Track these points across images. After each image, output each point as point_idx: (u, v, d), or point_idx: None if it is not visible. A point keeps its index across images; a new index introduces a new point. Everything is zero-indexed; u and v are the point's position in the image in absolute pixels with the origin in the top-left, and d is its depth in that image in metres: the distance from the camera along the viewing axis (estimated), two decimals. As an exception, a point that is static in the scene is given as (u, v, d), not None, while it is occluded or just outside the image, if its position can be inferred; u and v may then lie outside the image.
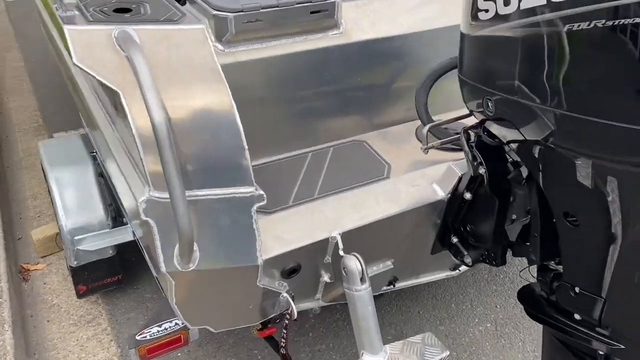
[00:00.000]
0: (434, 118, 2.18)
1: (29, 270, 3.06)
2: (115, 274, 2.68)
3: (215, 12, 1.85)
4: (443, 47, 2.26)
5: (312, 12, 1.99)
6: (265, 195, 1.56)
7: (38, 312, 2.80)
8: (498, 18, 1.49)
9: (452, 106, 2.34)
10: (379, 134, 2.28)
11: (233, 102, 1.54)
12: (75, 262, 2.53)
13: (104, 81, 1.48)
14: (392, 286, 2.15)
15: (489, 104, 1.60)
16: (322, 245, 1.73)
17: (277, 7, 1.92)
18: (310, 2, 1.97)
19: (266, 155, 2.10)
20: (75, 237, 2.49)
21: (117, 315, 2.77)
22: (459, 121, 1.97)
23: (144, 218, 1.51)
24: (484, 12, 1.55)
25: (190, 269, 1.55)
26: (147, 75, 1.38)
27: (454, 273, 2.35)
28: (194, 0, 1.98)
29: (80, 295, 2.67)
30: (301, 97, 2.12)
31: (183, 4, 2.09)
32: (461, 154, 1.82)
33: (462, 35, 1.64)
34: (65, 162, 2.64)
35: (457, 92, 1.67)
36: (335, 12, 2.04)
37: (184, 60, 1.55)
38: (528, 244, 1.83)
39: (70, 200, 2.52)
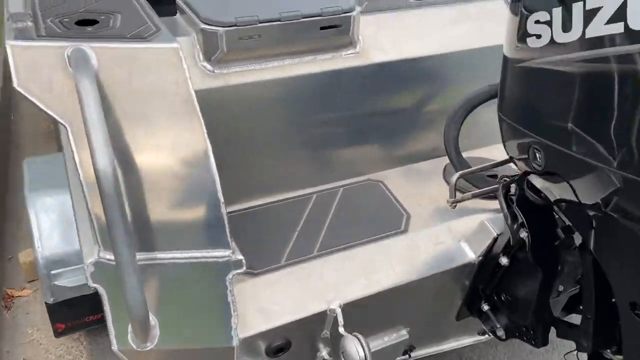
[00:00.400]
0: (465, 155, 1.83)
1: (12, 296, 2.81)
2: (97, 311, 2.39)
3: (203, 26, 1.54)
4: (480, 71, 1.91)
5: (322, 28, 1.67)
6: (244, 261, 1.24)
7: (15, 348, 2.54)
8: (553, 47, 1.15)
9: (489, 140, 1.98)
10: (398, 173, 1.93)
11: (208, 144, 1.23)
12: (51, 299, 2.25)
13: (48, 112, 1.18)
14: (407, 356, 1.80)
15: (537, 155, 1.25)
16: (318, 319, 1.40)
17: (279, 20, 1.60)
18: (320, 15, 1.64)
19: (261, 196, 1.78)
20: (52, 271, 2.20)
21: (99, 357, 2.49)
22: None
23: (92, 284, 1.21)
24: (534, 37, 1.20)
25: (148, 349, 1.24)
26: (94, 107, 1.08)
27: (483, 338, 1.98)
28: (184, 10, 1.68)
29: (58, 334, 2.39)
30: (306, 126, 1.79)
31: (174, 13, 1.80)
32: (496, 203, 1.47)
33: (505, 59, 1.30)
34: (47, 184, 2.37)
35: (496, 124, 1.33)
36: (350, 27, 1.71)
37: (151, 87, 1.24)
38: (577, 325, 1.46)
39: (49, 228, 2.24)
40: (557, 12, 1.13)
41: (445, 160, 1.88)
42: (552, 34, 1.14)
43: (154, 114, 1.22)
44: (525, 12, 1.22)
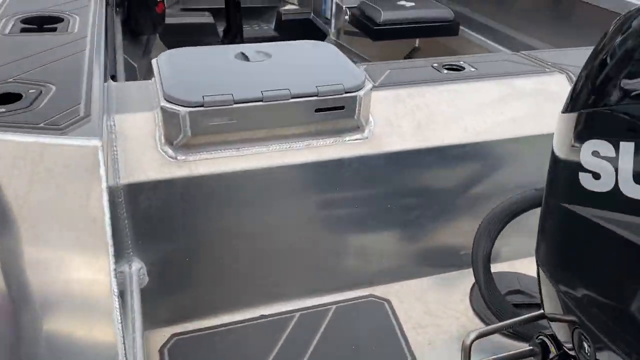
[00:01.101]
0: (499, 267, 1.42)
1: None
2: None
3: (163, 104, 1.23)
4: (527, 165, 1.50)
5: (318, 110, 1.32)
6: None
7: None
8: (619, 200, 0.76)
9: (526, 252, 1.56)
10: (410, 289, 1.53)
11: (114, 286, 0.90)
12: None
13: None
14: None
15: (584, 344, 0.85)
16: None
17: (261, 101, 1.26)
18: (316, 95, 1.30)
19: (227, 312, 1.42)
20: None
21: None
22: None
23: None
24: (591, 176, 0.81)
25: None
26: None
27: None
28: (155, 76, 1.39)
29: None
30: (295, 225, 1.43)
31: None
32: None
33: (556, 160, 0.92)
34: None
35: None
36: (356, 110, 1.35)
37: (53, 199, 0.93)
38: None
39: None
40: (628, 149, 0.73)
41: (465, 274, 1.48)
42: (617, 181, 0.75)
43: (51, 238, 0.91)
44: (579, 136, 0.83)
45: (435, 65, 1.63)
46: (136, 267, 1.27)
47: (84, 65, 1.28)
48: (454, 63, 1.65)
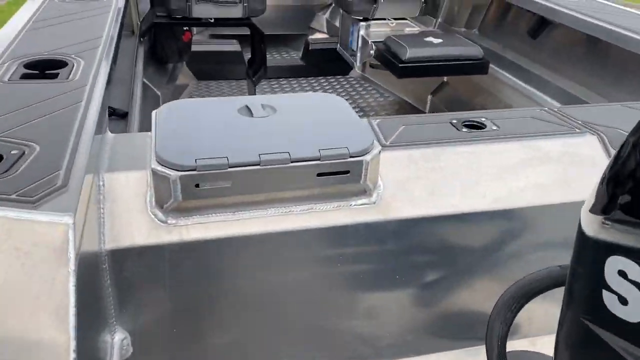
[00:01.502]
0: (515, 343, 1.28)
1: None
2: None
3: (154, 165, 1.16)
4: (551, 238, 1.37)
5: (321, 175, 1.23)
6: None
7: None
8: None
9: (549, 328, 1.42)
10: None
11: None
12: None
13: None
14: None
15: None
16: None
17: (258, 165, 1.18)
18: (318, 160, 1.21)
19: None
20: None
21: None
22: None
23: None
24: (615, 298, 0.69)
25: None
26: None
27: None
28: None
29: None
30: (291, 294, 1.33)
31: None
32: None
33: (583, 237, 0.81)
34: None
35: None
36: (362, 174, 1.25)
37: (18, 287, 0.86)
38: None
39: None
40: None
41: (478, 352, 1.34)
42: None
43: (10, 327, 0.84)
44: (603, 247, 0.71)
45: (454, 121, 1.52)
46: (119, 337, 1.19)
47: (76, 119, 1.22)
48: (474, 119, 1.54)
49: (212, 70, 4.35)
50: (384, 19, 3.46)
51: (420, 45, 2.98)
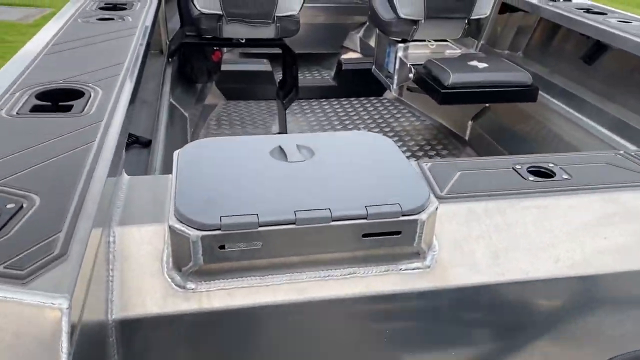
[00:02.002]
0: None
1: None
2: None
3: (172, 223, 0.98)
4: (637, 311, 1.15)
5: (365, 236, 1.04)
6: None
7: None
8: None
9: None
10: None
11: None
12: None
13: None
14: None
15: None
16: None
17: (294, 224, 0.99)
18: (364, 218, 1.02)
19: None
20: None
21: None
22: None
23: None
24: None
25: None
26: None
27: None
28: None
29: None
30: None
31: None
32: None
33: None
34: None
35: None
36: (416, 235, 1.06)
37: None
38: None
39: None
40: None
41: None
42: None
43: None
44: None
45: (518, 167, 1.31)
46: None
47: (86, 163, 1.06)
48: (541, 165, 1.33)
49: (242, 90, 4.22)
50: (423, 41, 3.27)
51: (464, 70, 2.78)
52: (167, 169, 2.16)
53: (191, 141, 3.43)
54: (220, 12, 2.81)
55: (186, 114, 3.35)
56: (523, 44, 3.59)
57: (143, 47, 1.88)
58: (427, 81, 2.88)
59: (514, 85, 2.77)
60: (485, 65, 2.86)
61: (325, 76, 4.97)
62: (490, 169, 1.32)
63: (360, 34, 5.01)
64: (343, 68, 4.31)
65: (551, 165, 1.34)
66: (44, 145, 1.13)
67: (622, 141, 2.47)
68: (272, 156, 1.18)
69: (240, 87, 4.20)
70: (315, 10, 4.86)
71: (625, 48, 2.40)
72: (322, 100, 4.38)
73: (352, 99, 4.46)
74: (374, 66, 3.76)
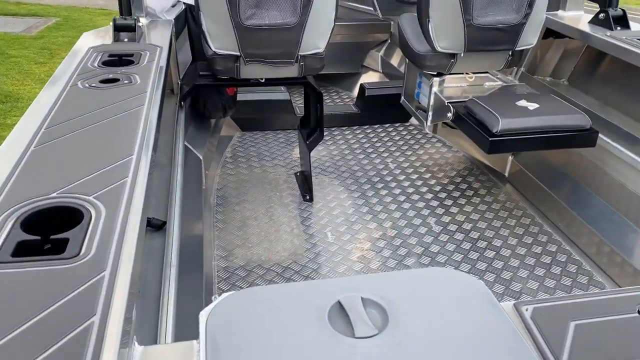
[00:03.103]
0: None
1: None
2: None
3: None
4: None
5: None
6: None
7: None
8: None
9: None
10: None
11: None
12: None
13: None
14: None
15: None
16: None
17: None
18: None
19: None
20: None
21: None
22: None
23: None
24: None
25: None
26: None
27: None
28: None
29: None
30: None
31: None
32: None
33: None
34: None
35: None
36: None
37: None
38: None
39: None
40: None
41: None
42: None
43: None
44: None
45: None
46: None
47: (87, 346, 0.77)
48: None
49: (258, 121, 3.92)
50: (461, 73, 2.95)
51: (515, 114, 2.46)
52: (184, 253, 1.88)
53: (206, 184, 3.13)
54: (238, 53, 2.51)
55: (200, 156, 3.07)
56: (568, 70, 3.26)
57: (155, 118, 1.59)
58: (470, 125, 2.57)
59: (571, 130, 2.45)
60: (536, 105, 2.54)
61: (346, 100, 4.66)
62: (612, 315, 1.01)
63: (382, 52, 4.70)
64: (366, 94, 4.00)
65: None
66: (25, 312, 0.84)
67: None
68: (331, 325, 0.89)
69: (256, 118, 3.91)
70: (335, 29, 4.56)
71: None
72: (343, 128, 4.08)
73: (376, 126, 4.15)
74: (402, 97, 3.44)
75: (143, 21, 2.64)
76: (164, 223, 1.77)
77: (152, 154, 1.38)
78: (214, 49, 2.50)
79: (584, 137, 2.47)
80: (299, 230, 2.77)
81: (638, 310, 1.02)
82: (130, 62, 2.02)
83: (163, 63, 2.10)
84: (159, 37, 2.52)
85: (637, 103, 2.59)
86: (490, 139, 2.41)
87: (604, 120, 2.66)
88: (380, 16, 3.76)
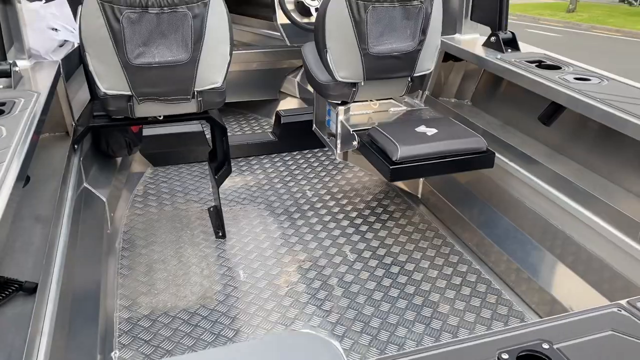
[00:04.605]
0: None
1: None
2: None
3: None
4: None
5: None
6: None
7: None
8: None
9: None
10: None
11: None
12: None
13: None
14: None
15: None
16: None
17: None
18: None
19: None
20: None
21: None
22: None
23: None
24: None
25: None
26: None
27: None
28: None
29: None
30: None
31: None
32: None
33: None
34: None
35: None
36: None
37: None
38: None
39: None
40: None
41: None
42: None
43: None
44: None
45: (505, 357, 1.00)
46: None
47: None
48: (533, 348, 1.02)
49: (170, 155, 3.80)
50: (366, 100, 2.97)
51: (413, 140, 2.49)
52: (75, 311, 1.75)
53: (111, 227, 2.97)
54: (129, 93, 2.41)
55: (104, 198, 2.92)
56: (470, 91, 3.36)
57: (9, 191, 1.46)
58: (373, 154, 2.58)
59: (468, 153, 2.50)
60: (434, 130, 2.58)
61: (265, 126, 4.62)
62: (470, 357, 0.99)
63: (298, 78, 4.70)
64: (282, 122, 3.98)
65: (545, 346, 1.03)
66: None
67: (587, 212, 2.23)
68: None
69: (168, 152, 3.79)
70: (249, 56, 4.51)
71: (589, 115, 2.17)
72: (262, 157, 4.03)
73: (294, 152, 4.12)
74: (314, 125, 3.43)
75: (25, 64, 2.50)
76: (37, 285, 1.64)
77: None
78: (103, 90, 2.39)
79: (481, 159, 2.53)
80: (210, 271, 2.67)
81: (498, 357, 1.01)
82: (1, 112, 1.89)
83: (39, 110, 1.97)
84: (44, 80, 2.38)
85: (531, 122, 2.69)
86: (390, 167, 2.42)
87: (502, 142, 2.74)
88: (288, 43, 3.75)
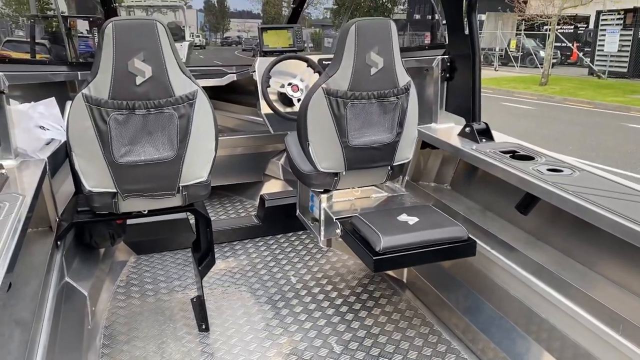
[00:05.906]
0: None
1: None
2: None
3: None
4: None
5: None
6: None
7: None
8: None
9: None
10: None
11: None
12: None
13: None
14: None
15: None
16: None
17: None
18: None
19: None
20: None
21: None
22: None
23: None
24: None
25: None
26: None
27: None
28: None
29: None
30: None
31: None
32: None
33: None
34: None
35: None
36: None
37: None
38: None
39: None
40: None
41: None
42: None
43: None
44: None
45: None
46: None
47: None
48: None
49: (153, 243, 3.79)
50: (348, 188, 3.03)
51: (395, 230, 2.53)
52: None
53: (92, 323, 2.90)
54: (114, 190, 2.44)
55: (85, 292, 2.87)
56: (449, 176, 3.45)
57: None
58: (356, 243, 2.60)
59: (450, 242, 2.54)
60: (416, 219, 2.63)
61: (249, 209, 4.65)
62: None
63: (282, 161, 4.79)
64: (266, 205, 4.01)
65: None
66: None
67: (569, 303, 2.25)
68: None
69: (151, 240, 3.77)
70: (234, 141, 4.62)
71: (564, 208, 2.23)
72: (245, 241, 4.03)
73: (279, 235, 4.14)
74: (298, 210, 3.47)
75: (12, 164, 2.53)
76: None
77: None
78: (88, 187, 2.41)
79: (463, 248, 2.56)
80: (192, 368, 2.60)
81: None
82: None
83: (24, 214, 1.98)
84: (30, 180, 2.41)
85: (510, 209, 2.75)
86: (374, 258, 2.44)
87: (482, 229, 2.79)
88: (272, 132, 3.87)
